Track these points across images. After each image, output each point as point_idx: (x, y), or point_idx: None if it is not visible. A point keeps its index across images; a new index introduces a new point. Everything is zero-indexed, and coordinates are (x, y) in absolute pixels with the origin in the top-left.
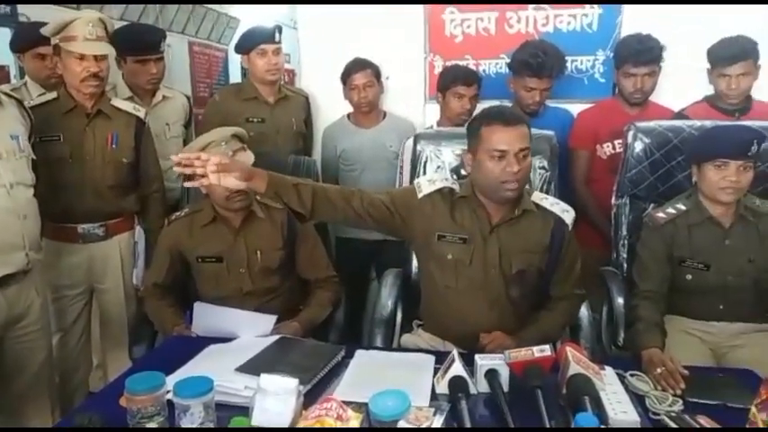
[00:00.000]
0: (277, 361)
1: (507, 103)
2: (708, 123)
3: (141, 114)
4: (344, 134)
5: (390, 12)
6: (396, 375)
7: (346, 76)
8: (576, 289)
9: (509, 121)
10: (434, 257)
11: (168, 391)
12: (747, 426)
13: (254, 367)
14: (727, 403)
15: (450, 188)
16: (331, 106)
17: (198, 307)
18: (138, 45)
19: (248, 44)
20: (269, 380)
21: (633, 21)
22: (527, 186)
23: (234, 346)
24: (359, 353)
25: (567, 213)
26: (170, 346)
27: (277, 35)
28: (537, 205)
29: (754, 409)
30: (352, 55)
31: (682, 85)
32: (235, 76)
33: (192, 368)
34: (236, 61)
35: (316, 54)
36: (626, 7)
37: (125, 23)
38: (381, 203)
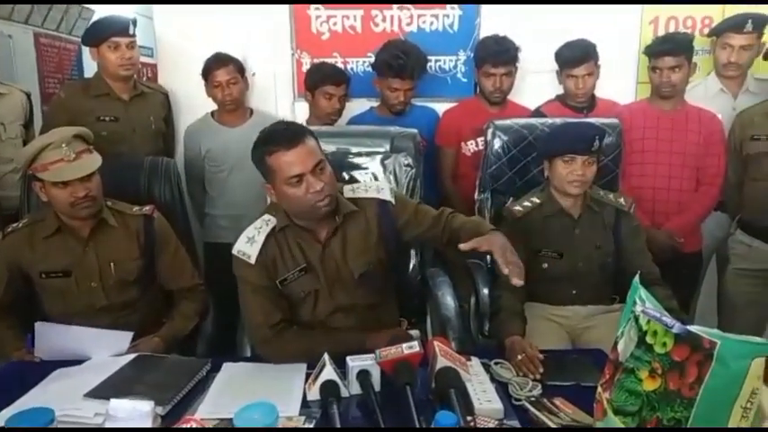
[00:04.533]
0: (133, 382)
1: (374, 102)
2: (558, 121)
3: None
4: (209, 133)
5: (254, 4)
6: (264, 386)
7: (207, 73)
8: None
9: (290, 142)
10: (292, 300)
11: (1, 428)
12: (595, 405)
13: (105, 391)
14: (581, 383)
15: (271, 229)
16: (193, 103)
17: (40, 327)
18: None
19: (98, 36)
20: (119, 405)
21: (490, 22)
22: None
23: (84, 368)
24: (226, 365)
25: (383, 191)
26: (9, 373)
27: (131, 27)
28: (354, 201)
29: (599, 389)
30: (214, 49)
31: (537, 84)
32: (90, 71)
33: (34, 397)
34: None
35: (175, 48)
36: (483, 9)
37: None
38: (268, 303)
